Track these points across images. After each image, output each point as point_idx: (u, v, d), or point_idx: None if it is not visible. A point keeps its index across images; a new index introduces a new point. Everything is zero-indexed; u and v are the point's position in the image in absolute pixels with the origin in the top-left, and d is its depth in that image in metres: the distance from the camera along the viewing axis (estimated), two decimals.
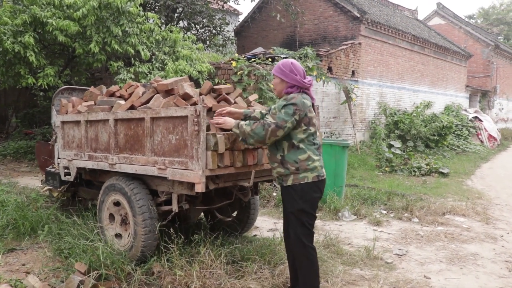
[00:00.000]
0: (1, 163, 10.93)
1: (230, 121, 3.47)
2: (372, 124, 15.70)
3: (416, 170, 10.98)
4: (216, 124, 3.56)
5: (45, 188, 6.08)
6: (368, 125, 15.86)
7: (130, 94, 4.68)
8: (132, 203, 4.09)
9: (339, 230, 5.87)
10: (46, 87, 9.70)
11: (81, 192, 5.70)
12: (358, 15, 14.98)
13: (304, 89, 3.38)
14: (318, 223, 6.09)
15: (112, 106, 4.57)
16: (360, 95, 15.13)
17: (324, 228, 5.90)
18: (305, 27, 17.00)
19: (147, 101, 4.29)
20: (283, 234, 3.60)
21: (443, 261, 4.85)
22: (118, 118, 4.22)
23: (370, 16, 15.35)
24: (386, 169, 11.16)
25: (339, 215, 6.55)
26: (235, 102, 4.41)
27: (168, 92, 4.25)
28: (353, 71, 14.81)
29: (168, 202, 4.19)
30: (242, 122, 3.34)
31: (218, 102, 4.33)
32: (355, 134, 14.53)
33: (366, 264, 4.64)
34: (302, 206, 3.30)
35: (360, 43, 15.00)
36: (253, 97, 5.00)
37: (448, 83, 21.82)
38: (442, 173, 10.94)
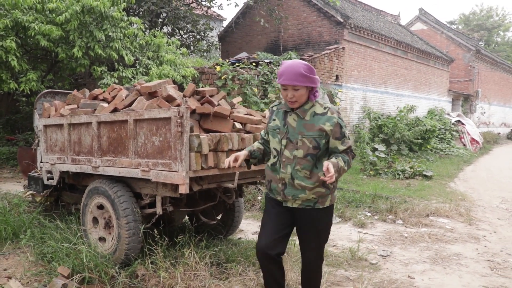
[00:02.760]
0: None
1: (330, 167, 2.72)
2: (356, 128, 15.81)
3: (400, 173, 11.10)
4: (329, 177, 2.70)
5: (28, 193, 6.01)
6: (352, 129, 15.97)
7: (113, 97, 4.67)
8: (115, 206, 4.06)
9: None
10: (28, 92, 9.58)
11: (64, 196, 5.64)
12: (342, 20, 15.12)
13: None
14: None
15: (95, 109, 4.54)
16: (344, 100, 15.25)
17: None
18: (289, 32, 17.09)
19: (130, 104, 4.28)
20: (266, 249, 2.99)
21: (427, 261, 4.90)
22: (101, 121, 4.20)
23: (353, 21, 15.50)
24: (371, 172, 11.25)
25: None
26: (218, 105, 4.42)
27: (151, 95, 4.25)
28: (337, 76, 14.92)
29: (152, 204, 4.17)
30: (341, 165, 2.84)
31: (202, 104, 4.33)
32: None
33: (351, 265, 4.67)
34: (330, 226, 3.15)
35: (343, 48, 15.13)
36: (237, 99, 5.01)
37: (431, 88, 22.11)
38: (426, 176, 11.06)
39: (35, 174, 5.84)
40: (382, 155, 12.08)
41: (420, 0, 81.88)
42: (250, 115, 4.63)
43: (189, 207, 4.48)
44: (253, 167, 3.45)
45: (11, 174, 10.32)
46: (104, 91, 4.94)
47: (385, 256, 5.03)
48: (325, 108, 2.93)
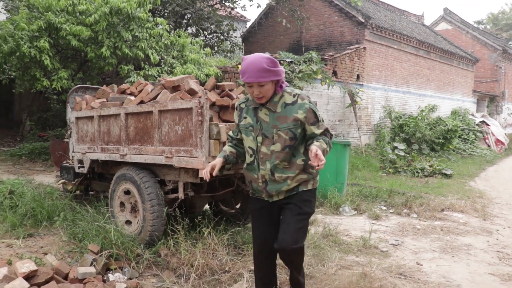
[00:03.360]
0: (17, 163, 11.34)
1: (318, 151, 2.61)
2: (378, 128, 15.91)
3: (419, 171, 11.18)
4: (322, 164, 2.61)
5: (60, 182, 6.41)
6: (373, 128, 16.08)
7: (140, 91, 5.01)
8: (141, 190, 4.39)
9: (338, 223, 6.11)
10: (60, 89, 10.08)
11: (93, 185, 6.03)
12: (363, 20, 15.26)
13: None
14: (319, 216, 6.35)
15: (123, 102, 4.89)
16: (365, 99, 15.38)
17: (324, 221, 6.14)
18: (310, 33, 17.31)
19: (155, 97, 4.61)
20: (265, 245, 3.10)
21: (436, 251, 5.08)
22: (129, 112, 4.54)
23: (374, 21, 15.62)
24: (390, 170, 11.37)
25: (340, 210, 6.80)
26: (237, 98, 4.70)
27: (175, 88, 4.57)
28: (358, 75, 15.07)
29: (175, 190, 4.49)
30: (324, 147, 2.79)
31: (221, 97, 4.62)
32: (360, 137, 14.76)
33: (362, 252, 4.89)
34: (314, 209, 3.11)
35: (364, 48, 15.27)
36: None
37: (454, 88, 21.97)
38: (445, 175, 11.12)
39: (67, 164, 6.26)
40: (402, 153, 12.17)
41: (445, 0, 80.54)
42: None
43: (209, 193, 4.78)
44: None
45: (43, 167, 10.84)
46: (131, 86, 5.29)
47: (396, 245, 5.24)
48: (294, 95, 2.89)
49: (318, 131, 2.91)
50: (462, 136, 18.55)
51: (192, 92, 4.33)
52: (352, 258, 4.65)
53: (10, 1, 14.03)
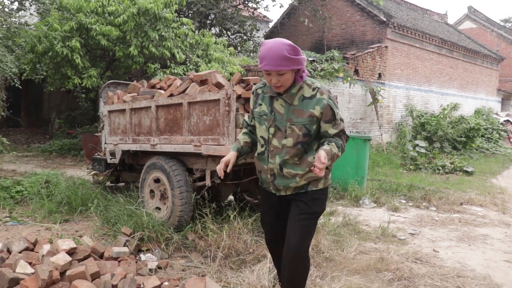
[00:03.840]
0: (48, 158, 11.84)
1: (325, 159, 2.44)
2: (399, 126, 15.97)
3: (440, 168, 11.24)
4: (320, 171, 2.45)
5: (92, 173, 6.77)
6: (395, 127, 16.13)
7: (169, 86, 5.31)
8: (170, 178, 4.68)
9: (358, 214, 6.29)
10: (90, 87, 10.50)
11: (123, 175, 6.35)
12: (385, 19, 15.34)
13: None
14: (339, 208, 6.55)
15: (154, 96, 5.20)
16: (386, 97, 15.45)
17: (344, 212, 6.35)
18: (332, 32, 17.46)
19: (184, 90, 4.90)
20: (275, 236, 3.04)
21: (453, 240, 5.23)
22: (159, 105, 4.84)
23: (396, 20, 15.69)
24: (411, 167, 11.46)
25: (360, 202, 6.98)
26: None
27: (202, 82, 4.84)
28: (379, 74, 15.16)
29: (202, 178, 4.77)
30: (334, 151, 2.60)
31: (247, 91, 4.88)
32: (381, 135, 14.85)
33: (380, 240, 5.08)
34: (324, 207, 2.93)
35: (386, 46, 15.35)
36: None
37: (478, 87, 21.79)
38: (467, 172, 11.14)
39: (98, 156, 6.60)
40: (423, 150, 12.24)
41: None
42: None
43: (234, 181, 5.03)
44: None
45: (72, 162, 11.29)
46: (160, 81, 5.59)
47: (413, 234, 5.41)
48: (313, 89, 2.66)
49: (332, 131, 2.69)
50: (486, 135, 18.44)
51: (219, 86, 4.59)
52: (370, 245, 4.85)
53: (42, 4, 14.59)
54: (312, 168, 2.47)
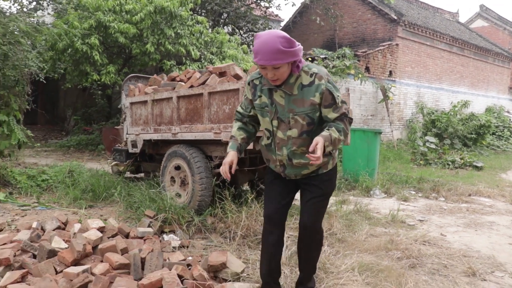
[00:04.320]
0: (66, 152, 12.21)
1: (320, 147, 2.44)
2: (410, 123, 16.12)
3: (450, 163, 11.40)
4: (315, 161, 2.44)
5: (112, 164, 7.07)
6: (405, 124, 16.29)
7: (188, 78, 5.58)
8: (191, 165, 4.95)
9: (369, 203, 6.53)
10: (108, 83, 10.84)
11: (144, 165, 6.65)
12: (396, 18, 15.52)
13: None
14: (350, 198, 6.78)
15: (174, 87, 5.48)
16: (397, 95, 15.62)
17: (356, 201, 6.58)
18: (344, 30, 17.66)
19: (204, 82, 5.16)
20: (275, 213, 2.92)
21: (460, 226, 5.45)
22: (181, 95, 5.12)
23: (407, 18, 15.85)
24: (421, 162, 11.64)
25: (371, 193, 7.21)
26: None
27: (221, 74, 5.11)
28: (390, 71, 15.34)
29: (221, 165, 5.03)
30: (335, 136, 2.56)
31: None
32: (392, 131, 15.02)
33: (390, 225, 5.31)
34: (335, 185, 2.97)
35: (397, 44, 15.52)
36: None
37: (489, 85, 21.83)
38: (476, 167, 11.30)
39: (119, 147, 6.90)
40: (433, 146, 12.40)
41: None
42: None
43: (251, 167, 5.29)
44: None
45: (90, 156, 11.64)
46: (180, 74, 5.88)
47: (422, 220, 5.63)
48: (311, 75, 2.58)
49: (332, 115, 2.64)
50: (497, 133, 18.51)
51: (237, 77, 4.85)
52: (380, 229, 5.08)
53: (59, 4, 14.98)
54: (307, 155, 2.46)
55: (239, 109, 2.98)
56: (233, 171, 2.75)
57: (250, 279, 3.42)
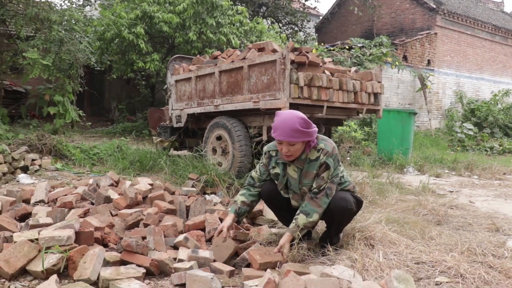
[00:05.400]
0: (112, 137, 12.92)
1: (286, 245, 2.82)
2: (448, 112, 16.02)
3: (488, 149, 11.35)
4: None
5: (158, 140, 7.57)
6: (444, 113, 16.20)
7: (229, 56, 5.98)
8: (231, 134, 5.36)
9: (401, 178, 6.74)
10: (153, 70, 11.43)
11: (187, 141, 7.11)
12: (434, 6, 15.46)
13: None
14: (384, 174, 7.00)
15: (216, 64, 5.89)
16: (436, 84, 15.56)
17: (389, 175, 6.81)
18: (382, 21, 17.70)
19: (243, 58, 5.55)
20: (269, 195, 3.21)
21: (490, 196, 5.61)
22: (222, 70, 5.53)
23: (446, 7, 15.74)
24: (458, 148, 11.64)
25: (404, 170, 7.41)
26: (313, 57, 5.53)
27: (260, 50, 5.48)
28: (428, 60, 15.30)
29: (259, 134, 5.41)
30: (300, 223, 2.83)
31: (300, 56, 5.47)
32: (430, 120, 14.99)
33: (420, 194, 5.53)
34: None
35: (436, 33, 15.46)
36: (328, 59, 6.09)
37: None
38: None
39: (164, 125, 7.40)
40: (471, 132, 12.36)
41: None
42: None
43: None
44: None
45: (135, 141, 12.30)
46: (221, 53, 6.29)
47: (453, 191, 5.82)
48: (318, 150, 2.83)
49: (315, 184, 2.87)
50: None
51: (275, 52, 5.21)
52: (411, 196, 5.33)
53: (106, 0, 15.78)
54: (275, 251, 2.77)
55: (253, 174, 3.21)
56: (230, 235, 3.03)
57: (283, 227, 3.78)
